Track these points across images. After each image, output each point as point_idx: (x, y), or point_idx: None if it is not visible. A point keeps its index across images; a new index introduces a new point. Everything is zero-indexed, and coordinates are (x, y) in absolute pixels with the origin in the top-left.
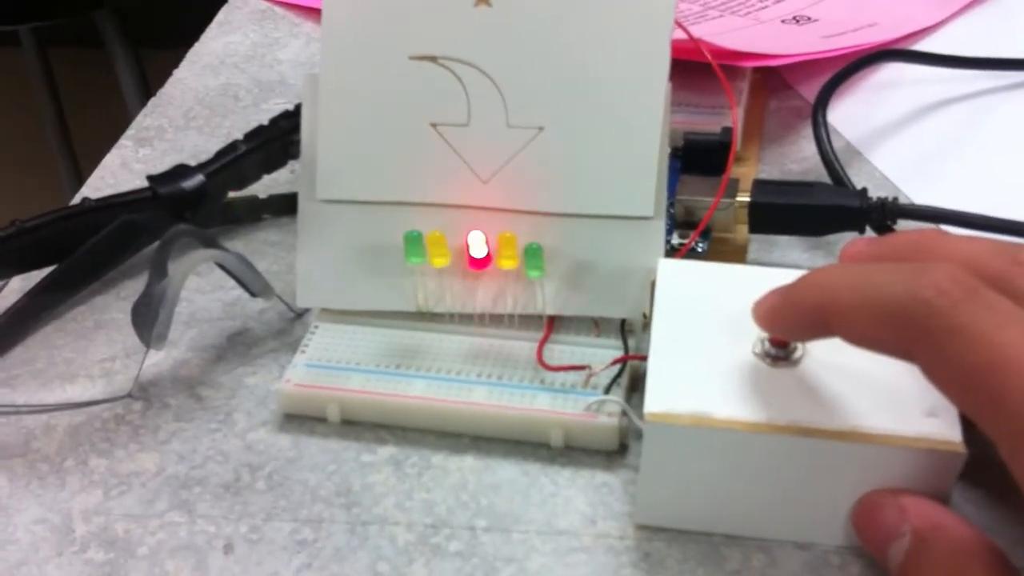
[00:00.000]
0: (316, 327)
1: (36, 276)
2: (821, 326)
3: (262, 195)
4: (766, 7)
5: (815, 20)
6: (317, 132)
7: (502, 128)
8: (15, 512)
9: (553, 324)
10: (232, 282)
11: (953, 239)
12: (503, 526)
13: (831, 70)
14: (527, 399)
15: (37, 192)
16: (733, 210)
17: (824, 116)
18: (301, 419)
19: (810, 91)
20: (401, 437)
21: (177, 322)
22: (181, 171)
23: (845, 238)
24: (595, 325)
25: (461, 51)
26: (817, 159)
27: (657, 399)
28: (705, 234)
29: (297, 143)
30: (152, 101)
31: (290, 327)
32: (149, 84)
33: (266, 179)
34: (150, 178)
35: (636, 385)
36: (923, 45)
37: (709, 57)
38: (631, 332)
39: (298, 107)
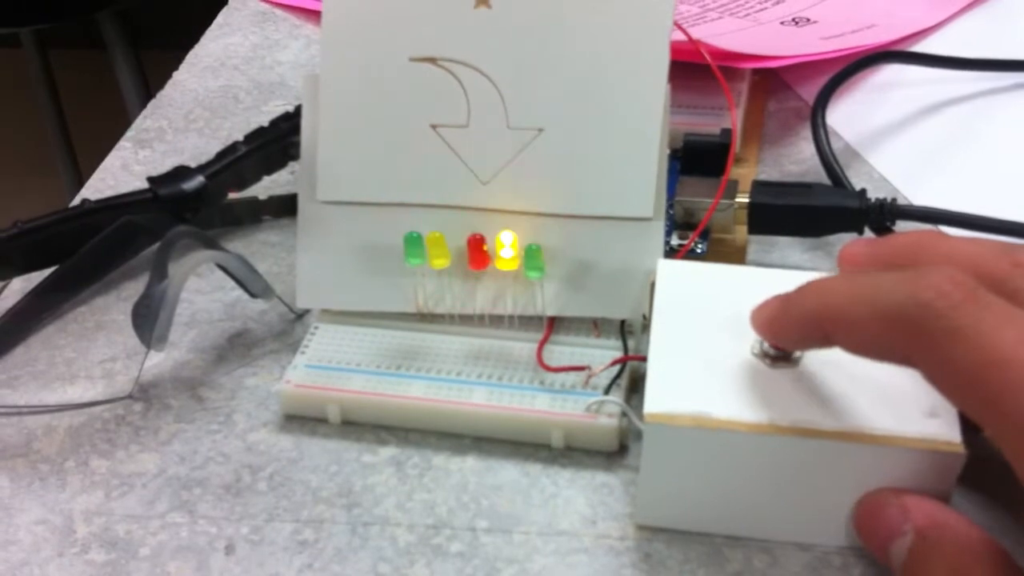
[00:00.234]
0: (316, 328)
1: (37, 277)
2: (821, 335)
3: (262, 196)
4: (765, 9)
5: (814, 22)
6: (317, 133)
7: (502, 129)
8: (16, 513)
9: (553, 325)
10: (232, 283)
11: (952, 240)
12: (504, 527)
13: (830, 71)
14: (527, 400)
15: (37, 193)
16: (732, 211)
17: (823, 117)
18: (302, 420)
19: (809, 92)
20: (402, 438)
21: (177, 323)
22: (181, 172)
23: (844, 239)
24: (595, 326)
25: (461, 53)
26: (816, 160)
27: (657, 400)
28: (704, 235)
29: (297, 144)
30: (152, 103)
31: (290, 328)
32: (149, 86)
33: (266, 180)
34: (150, 179)
35: (636, 386)
36: (922, 46)
37: (708, 59)
38: (631, 333)
39: (298, 108)
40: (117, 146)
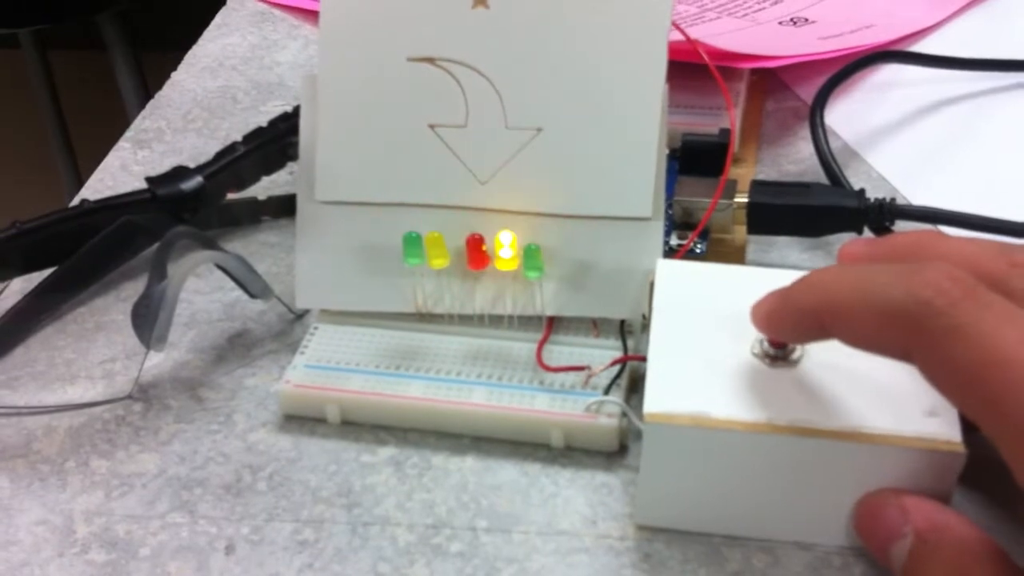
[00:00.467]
0: (315, 328)
1: (36, 278)
2: (819, 328)
3: (261, 197)
4: (763, 9)
5: (812, 22)
6: (316, 134)
7: (500, 129)
8: (17, 513)
9: (552, 325)
10: (231, 283)
11: (950, 240)
12: (504, 527)
13: (828, 71)
14: (527, 400)
15: (36, 194)
16: (731, 211)
17: (822, 117)
18: (301, 420)
19: (808, 92)
20: (401, 438)
21: (177, 323)
22: (180, 173)
23: (843, 239)
24: (594, 326)
25: (459, 53)
26: (815, 160)
27: (656, 399)
28: (703, 235)
29: (295, 145)
30: (151, 103)
31: (290, 328)
32: (148, 87)
33: (265, 181)
34: (149, 180)
35: (635, 386)
36: (920, 46)
37: (706, 59)
38: (630, 333)
39: (296, 109)
40: (116, 146)
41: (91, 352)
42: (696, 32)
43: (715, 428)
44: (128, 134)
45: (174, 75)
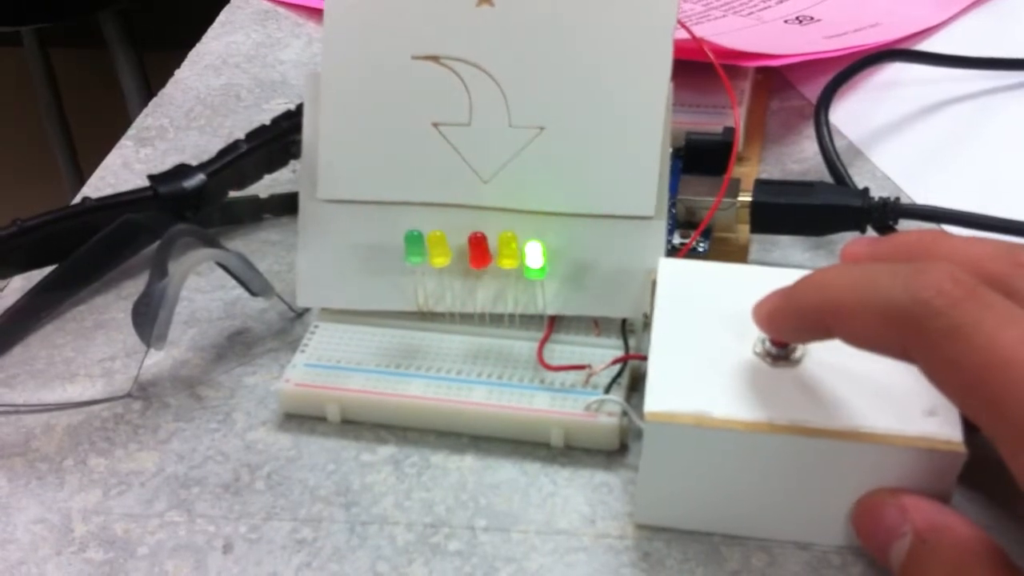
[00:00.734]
0: (316, 327)
1: (37, 275)
2: (822, 328)
3: (263, 195)
4: (768, 7)
5: (817, 20)
6: (318, 132)
7: (504, 128)
8: (14, 511)
9: (553, 324)
10: (232, 282)
11: (954, 239)
12: (502, 526)
13: (833, 70)
14: (527, 399)
15: (38, 192)
16: (734, 210)
17: (826, 116)
18: (301, 419)
19: (812, 91)
20: (401, 437)
21: (177, 322)
22: (182, 171)
23: (846, 238)
24: (595, 325)
25: (463, 51)
26: (819, 159)
27: (657, 399)
28: (706, 234)
29: (298, 143)
30: (154, 101)
31: (290, 327)
32: (150, 85)
33: (267, 179)
34: (151, 177)
35: (636, 385)
36: (925, 45)
37: (711, 57)
38: (632, 332)
39: (299, 107)
40: (118, 144)
41: (91, 350)
42: (701, 30)
43: (716, 427)
44: (130, 132)
45: (177, 73)
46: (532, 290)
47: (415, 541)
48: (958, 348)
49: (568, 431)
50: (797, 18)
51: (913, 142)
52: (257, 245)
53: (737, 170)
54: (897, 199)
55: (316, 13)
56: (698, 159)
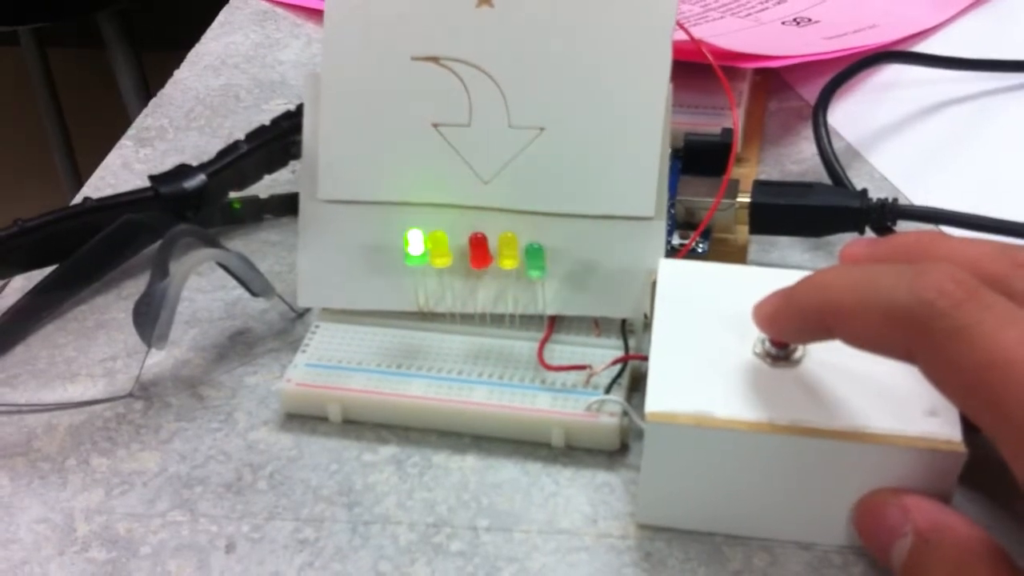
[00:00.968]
0: (317, 327)
1: (38, 275)
2: (822, 329)
3: (263, 195)
4: (767, 8)
5: (816, 22)
6: (319, 132)
7: (503, 128)
8: (17, 511)
9: (554, 324)
10: (233, 282)
11: (953, 241)
12: (504, 526)
13: (831, 71)
14: (528, 399)
15: (36, 193)
16: (733, 211)
17: (824, 117)
18: (302, 419)
19: (810, 92)
20: (402, 437)
21: (178, 322)
22: (183, 171)
23: (845, 239)
24: (596, 325)
25: (463, 52)
26: (817, 160)
27: (658, 399)
28: (705, 234)
29: (298, 143)
30: (153, 101)
31: (291, 327)
32: (149, 85)
33: (267, 179)
34: (152, 178)
35: (637, 385)
36: (923, 47)
37: (710, 58)
38: (632, 332)
39: (299, 107)
40: (118, 144)
41: (92, 350)
42: (699, 32)
43: (716, 428)
44: (130, 132)
45: (177, 73)
46: (532, 290)
47: (417, 541)
48: (960, 349)
49: (569, 431)
50: (795, 19)
51: (911, 143)
52: (257, 245)
53: (736, 171)
54: (895, 200)
55: (315, 13)
56: (697, 160)
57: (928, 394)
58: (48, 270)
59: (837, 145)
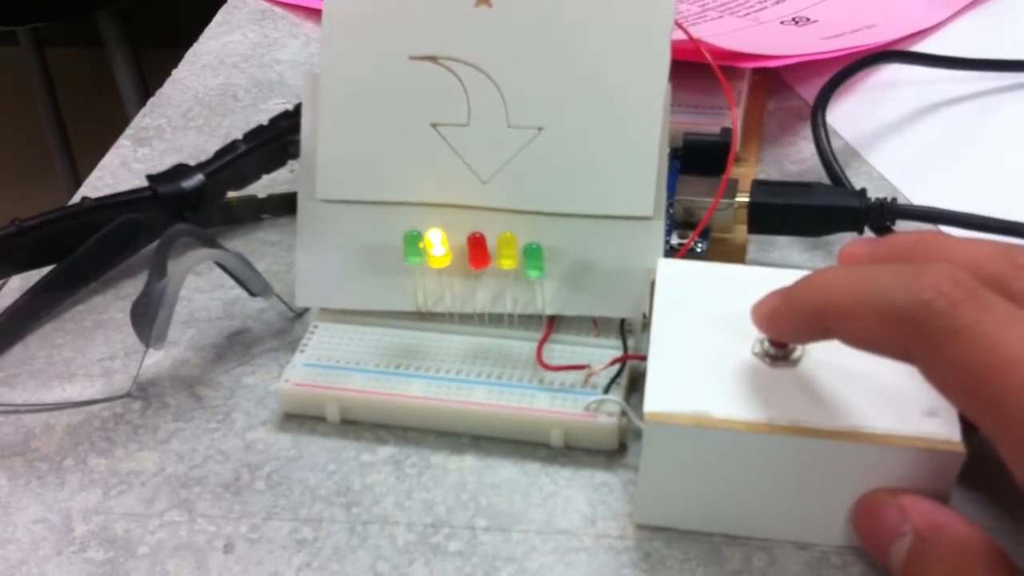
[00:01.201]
0: (315, 327)
1: (35, 275)
2: (821, 329)
3: (261, 195)
4: (765, 8)
5: (814, 21)
6: (317, 132)
7: (502, 128)
8: (15, 511)
9: (553, 324)
10: (231, 282)
11: (952, 240)
12: (503, 526)
13: (830, 71)
14: (527, 399)
15: (34, 192)
16: (732, 210)
17: (823, 117)
18: (301, 419)
19: (809, 92)
20: (401, 437)
21: (176, 321)
22: (181, 171)
23: (844, 238)
24: (594, 325)
25: (461, 51)
26: (816, 159)
27: (657, 399)
28: (704, 234)
29: (296, 143)
30: (151, 101)
31: (289, 327)
32: (148, 85)
33: (265, 179)
34: (150, 177)
35: (635, 385)
36: (922, 46)
37: (709, 58)
38: (630, 332)
39: (297, 107)
40: (116, 144)
41: (90, 350)
42: (698, 31)
43: (715, 428)
44: (128, 132)
45: (175, 73)
46: (531, 290)
47: (416, 541)
48: (959, 349)
49: (568, 431)
50: (794, 19)
51: (910, 143)
52: (256, 245)
53: (735, 171)
54: (894, 200)
55: (313, 13)
56: (696, 160)
57: (927, 394)
58: (46, 270)
59: (836, 145)
